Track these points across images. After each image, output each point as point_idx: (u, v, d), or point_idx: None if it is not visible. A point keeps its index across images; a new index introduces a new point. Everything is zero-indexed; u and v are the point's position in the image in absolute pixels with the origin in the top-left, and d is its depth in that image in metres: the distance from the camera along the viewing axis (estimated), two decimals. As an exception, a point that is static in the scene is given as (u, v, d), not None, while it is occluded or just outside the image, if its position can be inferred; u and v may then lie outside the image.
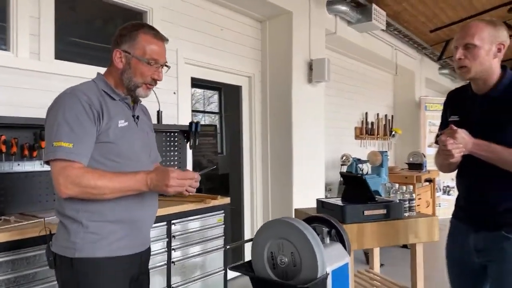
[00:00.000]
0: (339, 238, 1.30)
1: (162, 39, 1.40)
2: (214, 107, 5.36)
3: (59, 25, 2.49)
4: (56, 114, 1.25)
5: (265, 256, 1.18)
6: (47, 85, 2.39)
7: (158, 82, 1.41)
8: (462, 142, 1.48)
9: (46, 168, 2.29)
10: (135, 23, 1.42)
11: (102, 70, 2.62)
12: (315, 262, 1.07)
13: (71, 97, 1.27)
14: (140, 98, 1.44)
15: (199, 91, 5.11)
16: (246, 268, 1.23)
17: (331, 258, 1.15)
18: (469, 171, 1.64)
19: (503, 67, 1.57)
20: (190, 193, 1.33)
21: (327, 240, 1.26)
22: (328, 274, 1.10)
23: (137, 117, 1.44)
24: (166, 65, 1.42)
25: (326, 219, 1.31)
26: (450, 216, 1.78)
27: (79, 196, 1.23)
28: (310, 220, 1.32)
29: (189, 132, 3.07)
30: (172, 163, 3.09)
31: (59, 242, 1.31)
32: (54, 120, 1.24)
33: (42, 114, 2.31)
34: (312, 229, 1.12)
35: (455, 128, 1.49)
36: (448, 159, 1.50)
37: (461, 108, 1.67)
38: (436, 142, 1.79)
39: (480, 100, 1.59)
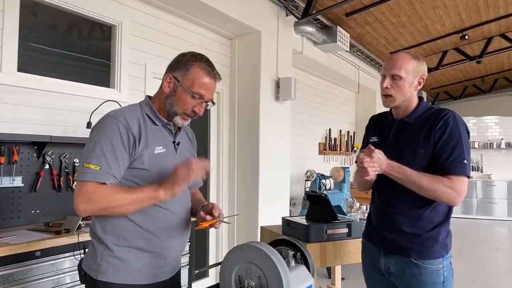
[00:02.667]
0: (304, 260, 1.36)
1: (215, 77, 1.40)
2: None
3: (24, 38, 2.43)
4: (94, 135, 1.29)
5: (233, 279, 1.22)
6: (11, 98, 2.32)
7: (197, 115, 1.41)
8: (378, 161, 1.58)
9: (4, 184, 2.22)
10: (196, 53, 1.42)
11: (71, 84, 2.64)
12: (280, 285, 1.13)
13: (111, 121, 1.29)
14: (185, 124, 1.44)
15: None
16: (214, 291, 1.26)
17: (296, 281, 1.21)
18: (382, 193, 1.73)
19: (419, 98, 1.73)
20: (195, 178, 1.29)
21: (293, 263, 1.32)
22: (293, 296, 1.16)
23: (178, 144, 1.44)
24: (212, 101, 1.42)
25: (292, 242, 1.37)
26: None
27: (98, 213, 1.26)
28: (276, 243, 1.38)
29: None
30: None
31: (87, 261, 1.34)
32: (91, 141, 1.28)
33: (7, 129, 2.26)
34: (278, 254, 1.18)
35: (372, 148, 1.61)
36: (364, 176, 1.59)
37: (380, 130, 1.82)
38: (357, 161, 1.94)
39: (397, 124, 1.73)
